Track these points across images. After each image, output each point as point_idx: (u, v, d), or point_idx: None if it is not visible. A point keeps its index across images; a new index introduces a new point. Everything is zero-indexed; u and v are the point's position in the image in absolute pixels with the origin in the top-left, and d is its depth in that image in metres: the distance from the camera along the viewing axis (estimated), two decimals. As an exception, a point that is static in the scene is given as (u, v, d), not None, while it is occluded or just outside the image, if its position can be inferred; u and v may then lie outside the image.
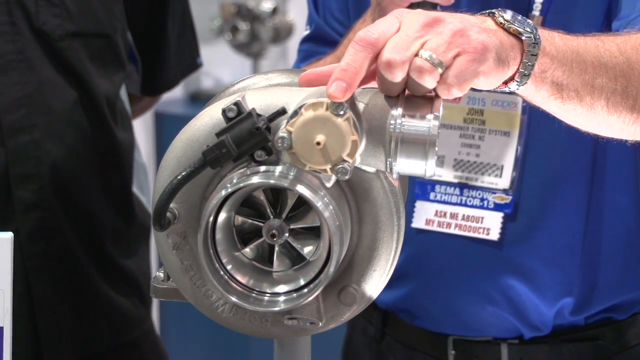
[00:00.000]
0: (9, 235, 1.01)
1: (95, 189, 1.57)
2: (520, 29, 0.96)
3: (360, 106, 0.88)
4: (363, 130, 0.87)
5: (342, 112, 0.85)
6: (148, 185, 1.77)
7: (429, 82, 0.87)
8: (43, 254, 1.50)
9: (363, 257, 0.92)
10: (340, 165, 0.86)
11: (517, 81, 0.97)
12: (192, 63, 1.87)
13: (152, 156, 3.19)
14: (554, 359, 1.36)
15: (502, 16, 0.96)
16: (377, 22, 0.90)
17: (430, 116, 0.87)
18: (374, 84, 0.91)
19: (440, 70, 0.87)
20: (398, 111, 0.87)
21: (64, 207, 1.52)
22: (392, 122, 0.87)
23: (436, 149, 0.87)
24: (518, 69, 0.96)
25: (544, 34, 1.00)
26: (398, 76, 0.87)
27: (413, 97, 0.89)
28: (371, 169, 0.89)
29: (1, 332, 1.03)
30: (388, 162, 0.88)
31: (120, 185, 1.63)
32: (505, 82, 0.97)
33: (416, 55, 0.87)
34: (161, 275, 0.98)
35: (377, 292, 0.93)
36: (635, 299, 1.36)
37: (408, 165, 0.88)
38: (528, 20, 0.97)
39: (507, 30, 0.96)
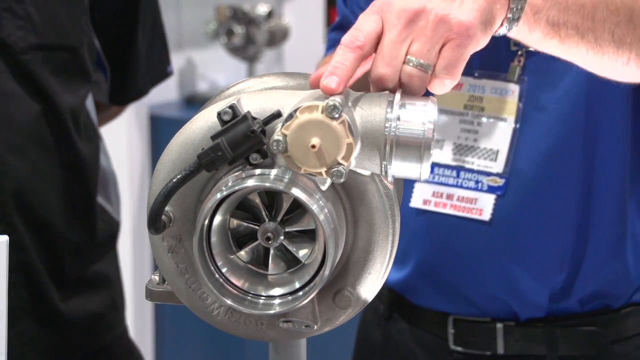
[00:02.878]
0: (4, 238, 1.01)
1: (58, 204, 1.54)
2: None
3: (356, 109, 0.88)
4: (358, 133, 0.87)
5: (337, 115, 0.85)
6: (116, 192, 1.75)
7: (420, 85, 0.90)
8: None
9: (358, 260, 0.92)
10: (335, 168, 0.86)
11: (506, 26, 0.98)
12: (162, 72, 1.83)
13: (148, 159, 3.19)
14: (548, 342, 1.38)
15: None
16: (359, 21, 0.92)
17: (425, 120, 0.88)
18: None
19: (429, 71, 0.90)
20: (393, 114, 0.88)
21: (26, 222, 1.49)
22: (387, 125, 0.87)
23: (431, 152, 0.88)
24: (506, 15, 0.97)
25: None
26: (390, 86, 0.90)
27: (408, 100, 0.89)
28: (366, 172, 0.90)
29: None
30: (383, 165, 0.88)
31: (83, 199, 1.60)
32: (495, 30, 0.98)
33: (404, 61, 0.90)
34: (156, 278, 0.98)
35: (373, 295, 0.94)
36: (628, 282, 1.38)
37: (403, 168, 0.88)
38: None
39: None
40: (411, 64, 0.90)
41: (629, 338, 1.39)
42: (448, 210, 1.39)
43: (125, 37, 1.71)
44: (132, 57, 1.73)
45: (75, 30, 1.54)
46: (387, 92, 0.91)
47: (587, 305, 1.38)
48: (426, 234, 1.41)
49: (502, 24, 0.98)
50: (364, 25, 0.92)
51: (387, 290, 1.49)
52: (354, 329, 1.59)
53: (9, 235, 1.46)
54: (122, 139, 3.09)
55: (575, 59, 1.10)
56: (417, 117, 0.88)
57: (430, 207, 1.40)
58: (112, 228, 1.69)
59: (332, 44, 1.55)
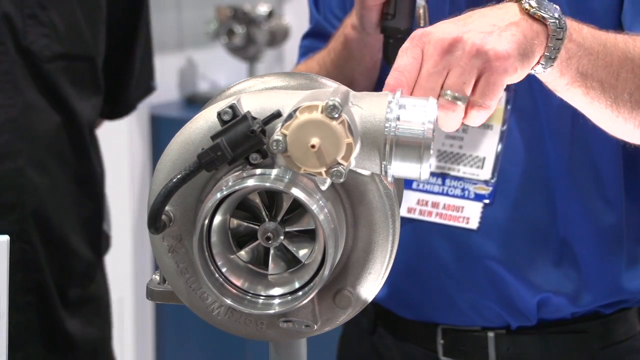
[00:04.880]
0: (5, 238, 1.01)
1: (73, 221, 1.51)
2: (545, 15, 0.98)
3: (356, 109, 0.89)
4: (358, 133, 0.87)
5: (336, 115, 0.85)
6: (107, 204, 1.70)
7: (456, 117, 0.93)
8: (20, 288, 1.43)
9: (358, 260, 0.92)
10: (335, 168, 0.86)
11: (542, 64, 1.00)
12: (148, 87, 1.79)
13: (148, 159, 3.19)
14: (540, 349, 1.36)
15: (529, 2, 0.99)
16: (398, 59, 0.95)
17: (425, 120, 0.88)
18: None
19: (463, 103, 0.93)
20: (393, 114, 0.88)
21: (43, 240, 1.45)
22: (387, 125, 0.87)
23: (431, 152, 0.88)
24: (543, 53, 0.99)
25: (573, 24, 1.03)
26: None
27: (408, 101, 0.89)
28: (366, 172, 0.90)
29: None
30: (383, 165, 0.88)
31: (94, 215, 1.56)
32: (532, 68, 1.01)
33: (440, 94, 0.93)
34: (157, 277, 0.98)
35: (372, 295, 0.94)
36: (623, 296, 1.37)
37: (403, 168, 0.88)
38: (555, 6, 1.00)
39: (532, 16, 0.99)
40: (446, 97, 0.93)
41: (619, 342, 1.38)
42: (434, 219, 1.36)
43: (124, 50, 1.67)
44: (127, 72, 1.70)
45: (94, 40, 1.51)
46: (387, 92, 0.91)
47: (578, 312, 1.36)
48: (412, 243, 1.38)
49: (538, 62, 1.00)
50: (404, 65, 0.94)
51: (371, 304, 1.46)
52: (334, 344, 1.57)
53: (26, 254, 1.42)
54: (123, 139, 3.09)
55: (592, 113, 1.11)
56: (416, 117, 0.88)
57: (415, 216, 1.37)
58: (107, 244, 1.66)
59: (304, 52, 1.54)
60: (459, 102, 0.92)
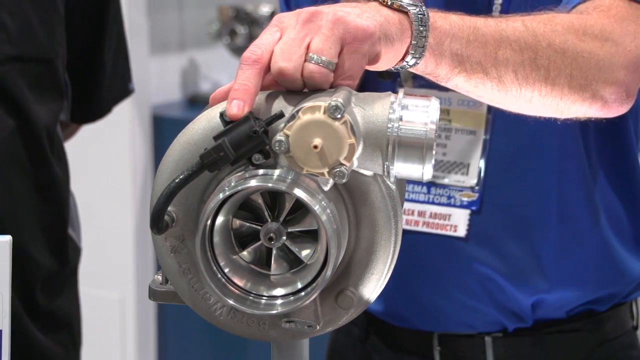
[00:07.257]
0: (7, 238, 1.01)
1: (32, 228, 1.47)
2: (403, 3, 0.97)
3: (358, 110, 0.89)
4: (360, 134, 0.87)
5: (339, 116, 0.85)
6: (77, 216, 1.66)
7: (323, 82, 0.90)
8: None
9: (360, 260, 0.92)
10: (338, 169, 0.86)
11: (412, 53, 0.98)
12: (124, 89, 1.73)
13: (150, 159, 3.19)
14: (537, 351, 1.36)
15: None
16: (259, 36, 0.93)
17: (427, 120, 0.88)
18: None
19: (331, 69, 0.90)
20: (395, 115, 0.88)
21: None
22: (390, 125, 0.88)
23: (434, 152, 0.88)
24: (410, 41, 0.98)
25: (439, 13, 1.02)
26: (295, 84, 0.90)
27: (410, 101, 0.89)
28: (369, 173, 0.90)
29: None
30: (385, 166, 0.88)
31: (56, 223, 1.52)
32: (403, 58, 0.99)
33: (305, 59, 0.90)
34: (159, 278, 0.98)
35: (375, 296, 0.94)
36: (613, 290, 1.37)
37: (405, 168, 0.88)
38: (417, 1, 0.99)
39: (391, 7, 0.97)
40: (313, 61, 0.90)
41: (612, 339, 1.38)
42: (421, 228, 1.35)
43: (92, 51, 1.63)
44: (97, 73, 1.65)
45: (50, 41, 1.47)
46: (389, 92, 0.91)
47: (572, 311, 1.36)
48: (401, 254, 1.36)
49: (408, 52, 0.98)
50: (261, 39, 0.92)
51: (363, 313, 1.45)
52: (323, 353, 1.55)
53: None
54: (125, 139, 3.09)
55: (482, 96, 1.10)
56: (419, 117, 0.88)
57: (403, 226, 1.36)
58: (76, 256, 1.61)
59: None
60: (329, 67, 0.90)
